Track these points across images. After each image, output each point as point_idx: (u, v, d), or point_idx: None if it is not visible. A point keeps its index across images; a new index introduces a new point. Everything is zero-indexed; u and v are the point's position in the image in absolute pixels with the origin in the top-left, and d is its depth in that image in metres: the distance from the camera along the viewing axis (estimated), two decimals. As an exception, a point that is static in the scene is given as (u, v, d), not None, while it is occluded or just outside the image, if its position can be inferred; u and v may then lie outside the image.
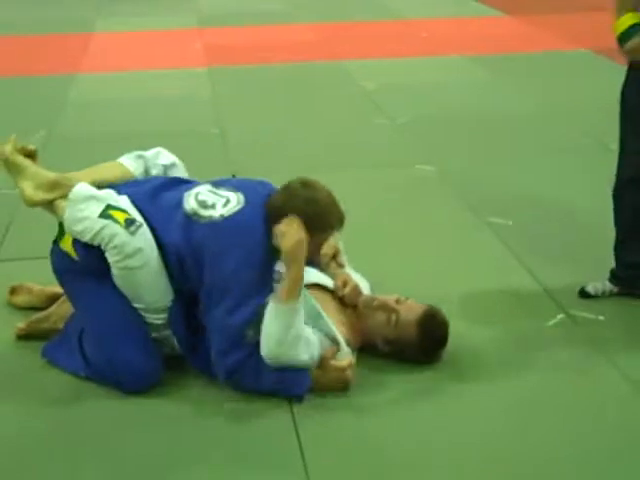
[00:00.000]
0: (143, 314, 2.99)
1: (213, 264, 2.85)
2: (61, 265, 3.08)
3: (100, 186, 3.05)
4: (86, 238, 2.90)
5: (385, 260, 3.57)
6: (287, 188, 2.93)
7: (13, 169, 3.10)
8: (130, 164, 3.22)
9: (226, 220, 2.90)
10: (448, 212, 4.45)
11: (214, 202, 2.95)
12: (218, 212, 2.91)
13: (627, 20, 3.20)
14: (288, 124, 5.98)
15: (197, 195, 2.99)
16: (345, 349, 3.01)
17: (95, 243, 2.90)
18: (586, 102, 6.37)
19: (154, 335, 3.02)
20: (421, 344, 3.04)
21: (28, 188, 3.08)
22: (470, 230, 4.24)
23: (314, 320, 2.98)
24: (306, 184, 2.93)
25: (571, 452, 2.67)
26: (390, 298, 3.10)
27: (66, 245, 3.00)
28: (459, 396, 2.96)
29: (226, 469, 2.64)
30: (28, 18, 10.01)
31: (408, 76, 7.28)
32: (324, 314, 3.03)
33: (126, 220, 2.89)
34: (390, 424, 2.82)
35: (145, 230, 2.91)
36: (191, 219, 2.92)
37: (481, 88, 6.91)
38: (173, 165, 3.28)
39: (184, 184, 3.12)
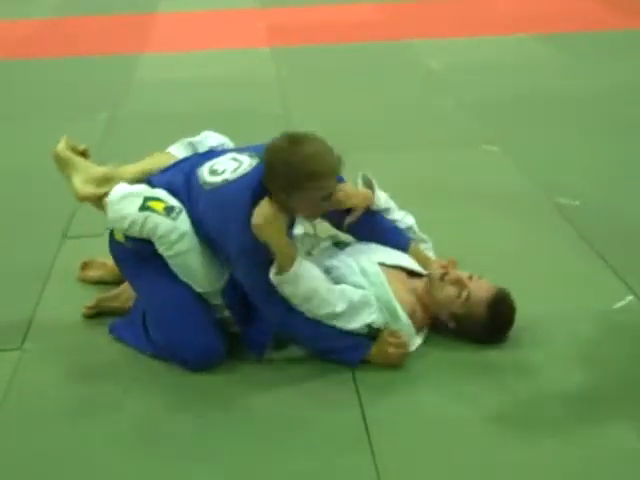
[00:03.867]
0: (205, 297, 3.02)
1: (220, 233, 2.90)
2: (119, 254, 3.14)
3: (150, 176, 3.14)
4: (134, 233, 2.96)
5: (451, 240, 3.54)
6: (270, 146, 2.84)
7: (64, 165, 3.23)
8: (179, 153, 3.27)
9: (225, 186, 2.92)
10: (514, 192, 4.40)
11: (225, 168, 2.97)
12: (223, 177, 2.94)
13: None
14: (353, 104, 5.95)
15: (213, 165, 3.01)
16: (405, 321, 3.00)
17: (142, 235, 2.95)
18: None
19: (219, 316, 3.05)
20: (488, 324, 3.01)
21: (77, 182, 3.19)
22: (537, 210, 4.19)
23: (377, 288, 3.00)
24: (292, 139, 2.81)
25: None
26: (463, 274, 3.07)
27: (119, 236, 3.06)
28: (520, 374, 2.94)
29: (289, 450, 2.64)
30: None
31: (474, 55, 7.20)
32: (387, 286, 3.03)
33: (165, 208, 2.93)
34: (453, 402, 2.82)
35: (185, 215, 2.95)
36: (201, 188, 2.97)
37: (549, 67, 6.80)
38: (222, 146, 3.30)
39: (214, 156, 3.12)
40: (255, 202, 2.83)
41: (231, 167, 2.97)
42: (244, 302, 3.02)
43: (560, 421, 2.71)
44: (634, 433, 2.64)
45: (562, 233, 3.95)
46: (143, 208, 2.93)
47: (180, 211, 2.94)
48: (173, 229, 2.91)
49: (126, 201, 2.98)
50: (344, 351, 2.96)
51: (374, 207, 3.18)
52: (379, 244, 3.22)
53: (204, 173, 3.00)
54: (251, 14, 9.13)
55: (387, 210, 3.25)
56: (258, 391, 2.90)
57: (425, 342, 3.08)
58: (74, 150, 3.26)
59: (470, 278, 3.06)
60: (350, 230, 3.22)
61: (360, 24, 8.49)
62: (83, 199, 3.23)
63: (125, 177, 3.16)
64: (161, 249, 2.95)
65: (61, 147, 3.24)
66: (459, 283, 3.04)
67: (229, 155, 3.06)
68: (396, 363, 2.97)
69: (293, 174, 2.75)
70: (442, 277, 3.06)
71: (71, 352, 3.13)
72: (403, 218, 3.28)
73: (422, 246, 3.29)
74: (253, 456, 2.60)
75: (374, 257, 3.12)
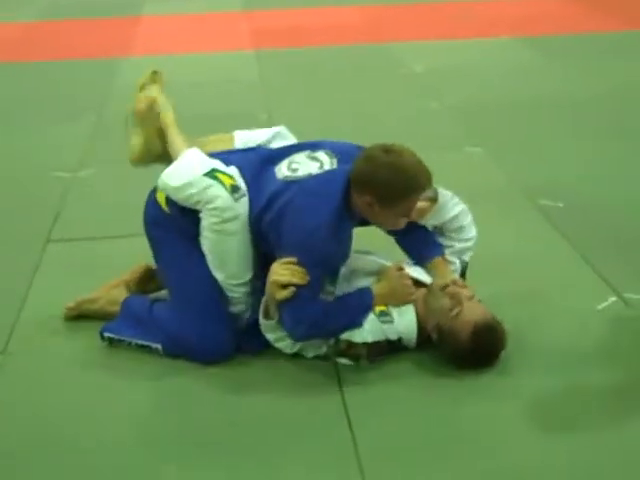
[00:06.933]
0: (223, 285, 3.02)
1: (293, 220, 2.85)
2: (152, 217, 3.12)
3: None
4: (184, 194, 2.94)
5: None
6: (369, 157, 2.85)
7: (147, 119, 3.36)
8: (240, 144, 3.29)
9: (312, 178, 2.93)
10: (497, 194, 4.41)
11: (306, 167, 2.97)
12: (307, 172, 2.95)
13: None
14: (336, 107, 5.96)
15: (290, 163, 3.01)
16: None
17: (192, 201, 2.94)
18: (640, 84, 6.28)
19: (230, 309, 3.07)
20: (469, 350, 2.90)
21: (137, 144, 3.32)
22: (520, 212, 4.21)
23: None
24: (388, 149, 2.84)
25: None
26: (466, 292, 2.99)
27: (161, 197, 3.06)
28: (501, 375, 2.95)
29: (274, 443, 2.66)
30: (76, 1, 10.07)
31: (457, 58, 7.23)
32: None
33: (232, 185, 2.92)
34: (437, 399, 2.84)
35: (247, 200, 2.94)
36: (281, 183, 2.95)
37: (531, 70, 6.83)
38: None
39: (285, 154, 3.10)
40: (345, 198, 2.85)
41: (313, 166, 2.97)
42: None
43: (540, 423, 2.72)
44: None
45: (545, 235, 3.96)
46: (209, 175, 2.93)
47: (244, 195, 2.93)
48: (231, 208, 2.90)
49: (194, 163, 3.00)
50: (354, 318, 2.95)
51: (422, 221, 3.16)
52: (404, 248, 3.21)
53: (282, 169, 3.00)
54: (234, 17, 9.13)
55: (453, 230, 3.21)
56: (248, 390, 2.91)
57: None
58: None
59: (470, 299, 2.98)
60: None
61: (343, 27, 8.51)
62: (134, 164, 3.36)
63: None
64: (209, 220, 2.93)
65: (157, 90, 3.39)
66: (456, 298, 2.96)
67: (304, 153, 3.05)
68: (410, 297, 2.99)
69: (402, 186, 2.80)
70: (443, 288, 3.01)
71: (55, 356, 3.12)
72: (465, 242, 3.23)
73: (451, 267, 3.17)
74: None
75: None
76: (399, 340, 3.00)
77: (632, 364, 2.99)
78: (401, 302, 2.99)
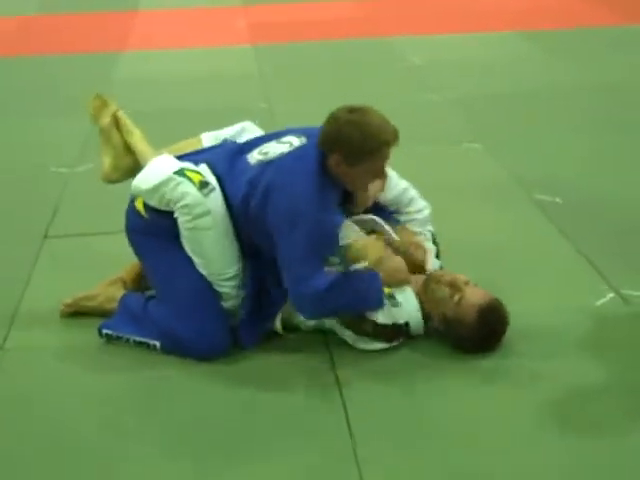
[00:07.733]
0: (211, 281, 3.03)
1: (277, 200, 2.87)
2: (133, 224, 3.14)
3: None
4: (157, 195, 2.97)
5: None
6: (334, 118, 2.93)
7: (111, 136, 3.37)
8: (208, 142, 3.32)
9: (285, 156, 2.97)
10: (495, 190, 4.41)
11: (276, 150, 3.02)
12: (280, 153, 3.00)
13: None
14: (336, 101, 5.89)
15: (262, 149, 3.06)
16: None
17: (164, 201, 2.96)
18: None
19: (222, 304, 3.07)
20: (476, 331, 2.97)
21: (107, 164, 3.36)
22: (518, 207, 4.20)
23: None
24: (353, 109, 2.92)
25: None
26: (461, 278, 3.06)
27: (139, 204, 3.08)
28: (498, 371, 2.95)
29: (269, 433, 2.68)
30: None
31: (456, 52, 7.22)
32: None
33: (200, 182, 2.94)
34: (437, 392, 2.85)
35: (217, 195, 2.96)
36: (256, 167, 2.98)
37: (531, 64, 6.82)
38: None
39: (254, 144, 3.14)
40: (321, 165, 2.89)
41: (283, 147, 3.01)
42: (257, 294, 3.07)
43: (537, 417, 2.72)
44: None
45: (543, 230, 3.96)
46: (179, 173, 2.96)
47: (213, 189, 2.94)
48: (200, 203, 2.92)
49: (164, 165, 3.02)
50: (365, 301, 2.99)
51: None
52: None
53: (254, 155, 3.04)
54: (233, 12, 9.10)
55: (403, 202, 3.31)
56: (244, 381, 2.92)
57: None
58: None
59: (466, 283, 3.04)
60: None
61: (341, 21, 8.49)
62: (107, 182, 3.42)
63: None
64: (181, 219, 2.95)
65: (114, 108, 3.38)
66: (454, 285, 3.03)
67: (272, 141, 3.09)
68: (405, 277, 3.05)
69: (366, 142, 2.84)
70: (439, 279, 3.07)
71: (52, 352, 3.12)
72: (418, 211, 3.33)
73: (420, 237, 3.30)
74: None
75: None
76: (406, 325, 3.04)
77: (631, 361, 2.99)
78: (376, 254, 3.02)
